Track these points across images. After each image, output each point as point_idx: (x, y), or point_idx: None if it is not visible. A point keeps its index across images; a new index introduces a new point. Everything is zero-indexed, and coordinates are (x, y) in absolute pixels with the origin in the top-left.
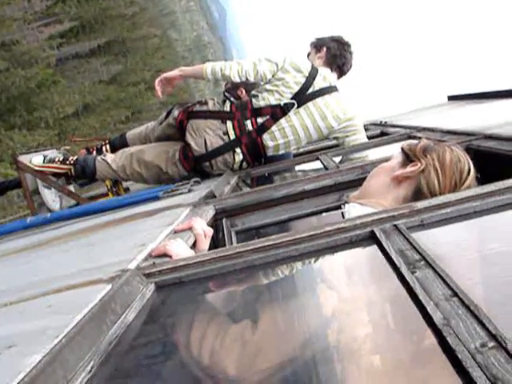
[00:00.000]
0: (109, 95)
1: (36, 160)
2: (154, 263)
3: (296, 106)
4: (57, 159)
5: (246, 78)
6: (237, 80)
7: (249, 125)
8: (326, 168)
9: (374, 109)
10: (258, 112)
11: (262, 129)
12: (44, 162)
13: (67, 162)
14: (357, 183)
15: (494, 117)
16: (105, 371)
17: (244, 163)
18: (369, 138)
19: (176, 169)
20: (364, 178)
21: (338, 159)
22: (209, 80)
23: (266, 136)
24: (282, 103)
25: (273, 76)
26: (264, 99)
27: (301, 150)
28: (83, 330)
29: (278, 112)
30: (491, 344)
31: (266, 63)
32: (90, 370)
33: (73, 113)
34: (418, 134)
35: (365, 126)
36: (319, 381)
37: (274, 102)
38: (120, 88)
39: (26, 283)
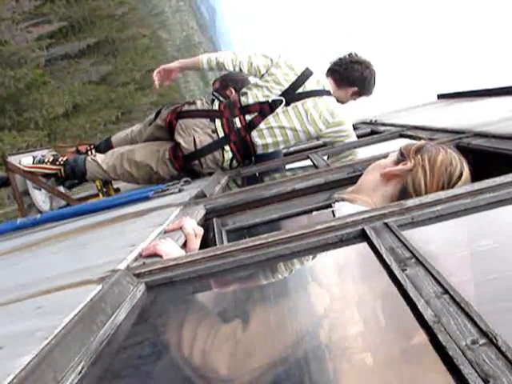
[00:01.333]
0: (99, 95)
1: (25, 161)
2: (144, 263)
3: (284, 103)
4: (46, 160)
5: (240, 69)
6: (230, 68)
7: (237, 122)
8: (316, 167)
9: (363, 107)
10: (246, 109)
11: (251, 126)
12: (33, 163)
13: (57, 163)
14: (347, 182)
15: (484, 115)
16: (95, 372)
17: (234, 161)
18: (359, 136)
19: (166, 168)
20: (354, 177)
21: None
22: (204, 69)
23: (254, 133)
24: (270, 100)
25: (266, 71)
26: (253, 96)
27: (291, 150)
28: (73, 331)
29: (266, 109)
30: (482, 341)
31: (261, 57)
32: (81, 371)
33: (63, 113)
34: (408, 133)
35: (355, 124)
36: (311, 379)
37: (262, 99)
38: (110, 88)
39: (15, 285)
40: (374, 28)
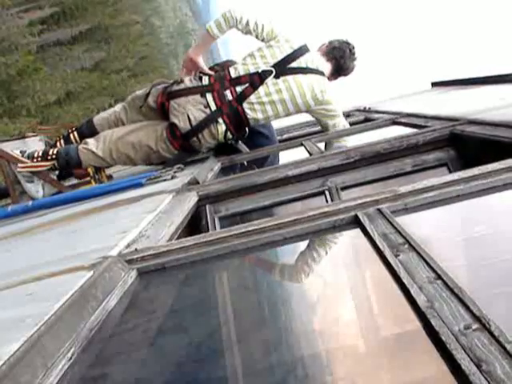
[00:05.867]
0: (91, 83)
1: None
2: (136, 249)
3: (274, 73)
4: (36, 154)
5: (246, 22)
6: (237, 16)
7: (228, 94)
8: (309, 154)
9: (357, 95)
10: (236, 81)
11: (242, 97)
12: (23, 157)
13: (48, 158)
14: (340, 168)
15: (477, 102)
16: (86, 358)
17: (228, 134)
18: (352, 124)
19: (165, 146)
20: (348, 164)
21: (321, 145)
22: (215, 34)
23: (245, 105)
24: (259, 70)
25: (267, 36)
26: (244, 68)
27: (284, 136)
28: (63, 317)
29: (256, 80)
30: (475, 326)
31: (267, 21)
32: (71, 357)
33: (55, 100)
34: (402, 120)
35: (348, 112)
36: (303, 365)
37: (252, 70)
38: (103, 75)
39: (6, 271)
40: (369, 15)
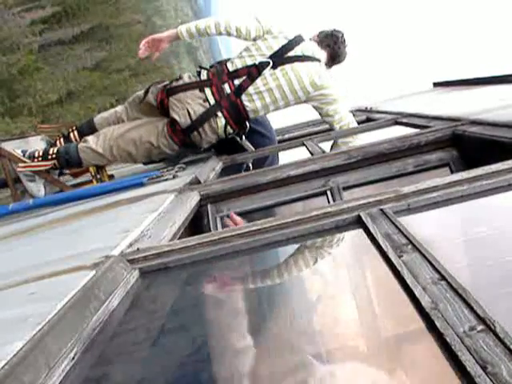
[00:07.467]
0: (93, 82)
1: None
2: (138, 249)
3: (271, 64)
4: (36, 154)
5: (227, 32)
6: (213, 32)
7: (226, 88)
8: (311, 154)
9: (359, 95)
10: (234, 74)
11: (240, 90)
12: (25, 157)
13: (49, 157)
14: (342, 168)
15: (479, 103)
16: (88, 358)
17: (228, 128)
18: None
19: (167, 142)
20: (350, 164)
21: (323, 145)
22: (185, 39)
23: (244, 97)
24: (257, 62)
25: (257, 35)
26: (241, 61)
27: (286, 136)
28: (66, 317)
29: (254, 72)
30: (480, 327)
31: (253, 21)
32: (73, 357)
33: (56, 100)
34: (404, 120)
35: (350, 111)
36: (304, 365)
37: (250, 62)
38: (104, 75)
39: (8, 271)
40: (371, 15)
